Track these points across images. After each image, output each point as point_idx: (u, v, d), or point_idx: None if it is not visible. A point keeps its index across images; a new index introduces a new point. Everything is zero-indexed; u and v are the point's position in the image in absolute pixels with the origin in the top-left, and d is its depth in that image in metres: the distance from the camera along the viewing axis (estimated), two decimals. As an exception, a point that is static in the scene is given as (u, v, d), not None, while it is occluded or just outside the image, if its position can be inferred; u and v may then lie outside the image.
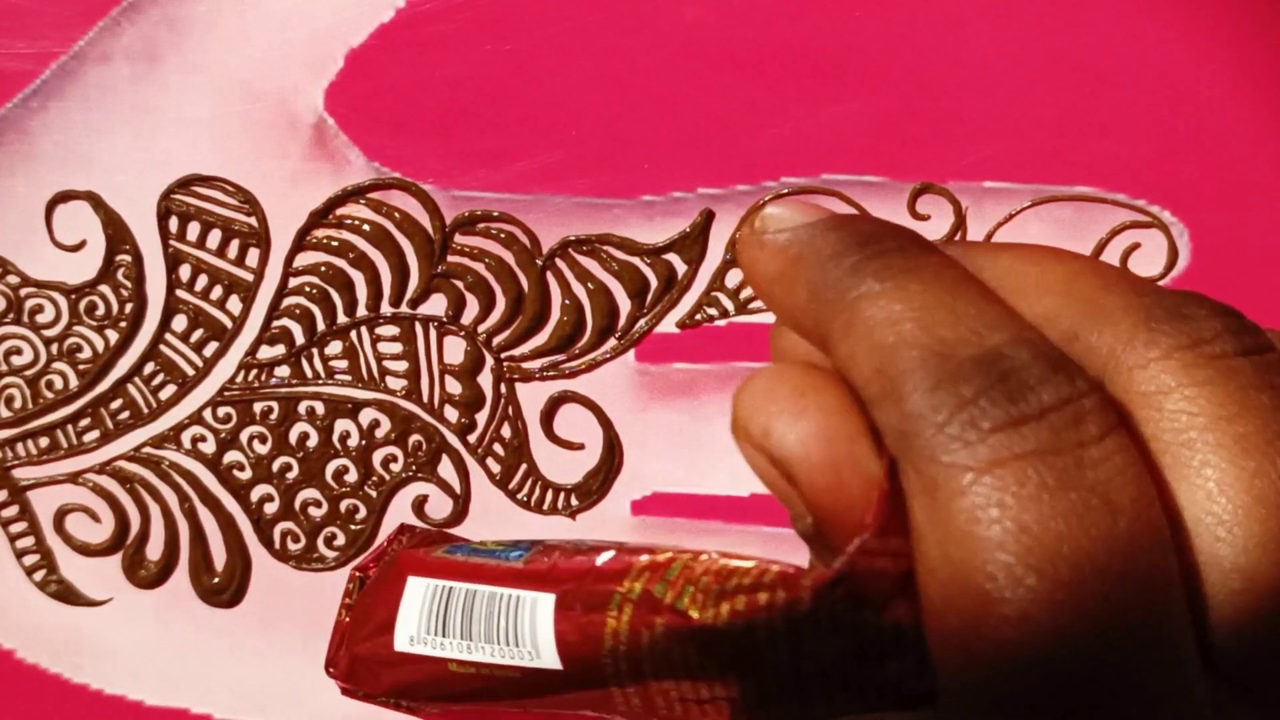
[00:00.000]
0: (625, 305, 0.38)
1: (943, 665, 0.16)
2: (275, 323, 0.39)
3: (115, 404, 0.40)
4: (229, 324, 0.39)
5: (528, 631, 0.20)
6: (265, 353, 0.39)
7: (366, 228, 0.38)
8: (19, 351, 0.40)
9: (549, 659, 0.20)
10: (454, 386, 0.39)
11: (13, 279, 0.40)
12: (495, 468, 0.39)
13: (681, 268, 0.37)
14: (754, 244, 0.20)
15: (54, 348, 0.40)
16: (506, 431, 0.39)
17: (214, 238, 0.39)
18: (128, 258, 0.39)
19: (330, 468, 0.40)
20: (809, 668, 0.17)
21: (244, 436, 0.40)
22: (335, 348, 0.39)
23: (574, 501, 0.39)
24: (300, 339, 0.39)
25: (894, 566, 0.17)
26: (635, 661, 0.19)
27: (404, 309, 0.39)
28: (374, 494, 0.40)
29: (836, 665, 0.17)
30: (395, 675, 0.22)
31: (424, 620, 0.21)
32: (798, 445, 0.18)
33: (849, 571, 0.17)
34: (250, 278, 0.39)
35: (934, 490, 0.16)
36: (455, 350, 0.39)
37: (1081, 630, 0.15)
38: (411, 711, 0.22)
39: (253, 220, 0.38)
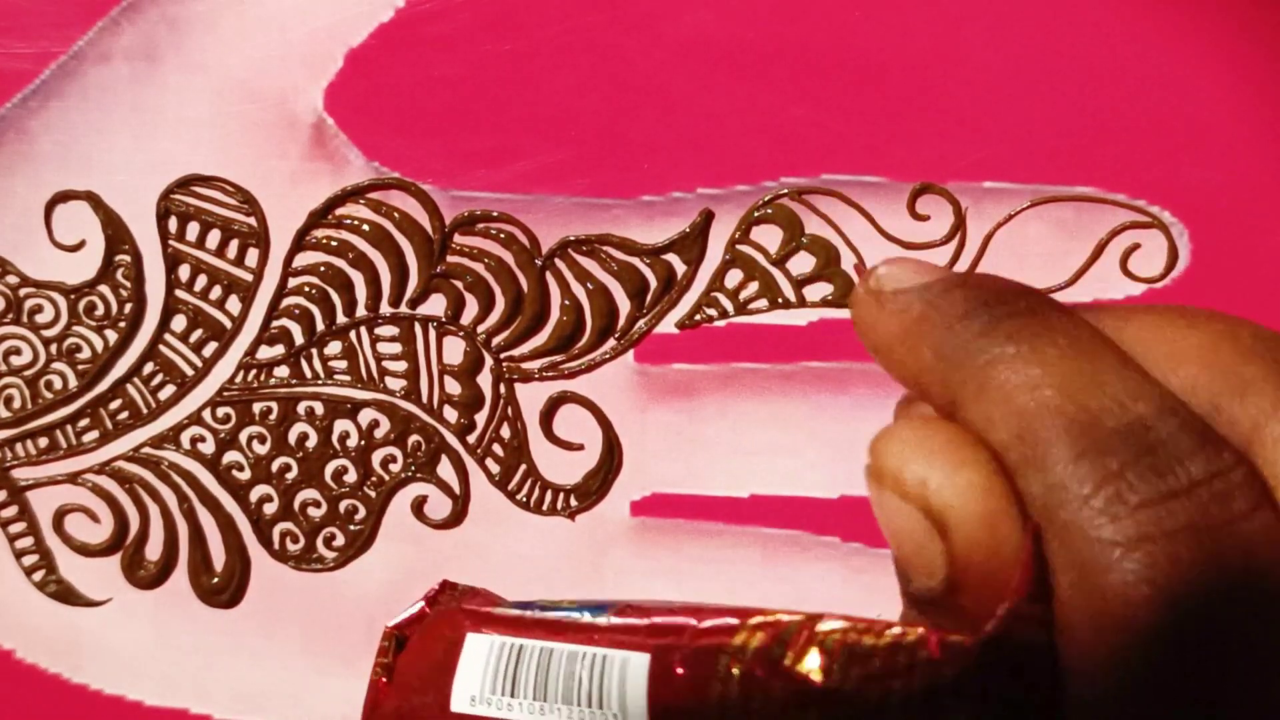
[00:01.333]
0: (625, 306, 0.38)
1: None
2: (274, 323, 0.39)
3: (114, 404, 0.40)
4: (228, 324, 0.39)
5: (615, 692, 0.19)
6: (264, 353, 0.39)
7: (366, 228, 0.38)
8: (18, 351, 0.40)
9: None
10: (453, 387, 0.39)
11: (12, 279, 0.40)
12: (494, 468, 0.39)
13: (681, 268, 0.37)
14: (872, 303, 0.19)
15: (53, 348, 0.40)
16: (506, 432, 0.39)
17: (213, 238, 0.39)
18: (127, 258, 0.39)
19: (329, 468, 0.40)
20: None
21: (243, 437, 0.40)
22: (334, 348, 0.39)
23: (573, 502, 0.39)
24: (299, 339, 0.39)
25: (1039, 635, 0.16)
26: None
27: (403, 309, 0.38)
28: (373, 494, 0.40)
29: None
30: None
31: (489, 679, 0.20)
32: (956, 495, 0.17)
33: (1001, 635, 0.16)
34: (249, 278, 0.39)
35: (1081, 565, 0.16)
36: (454, 350, 0.39)
37: (1236, 711, 0.15)
38: None
39: (252, 220, 0.38)
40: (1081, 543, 0.16)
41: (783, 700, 0.17)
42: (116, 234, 0.39)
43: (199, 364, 0.40)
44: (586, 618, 0.20)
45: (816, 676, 0.17)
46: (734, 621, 0.18)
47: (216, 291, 0.39)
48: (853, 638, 0.17)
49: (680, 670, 0.18)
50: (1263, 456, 0.17)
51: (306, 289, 0.39)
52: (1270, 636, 0.15)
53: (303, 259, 0.38)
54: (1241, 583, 0.15)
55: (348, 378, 0.39)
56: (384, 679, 0.22)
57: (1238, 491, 0.16)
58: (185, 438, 0.40)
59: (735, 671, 0.18)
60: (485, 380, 0.39)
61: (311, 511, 0.40)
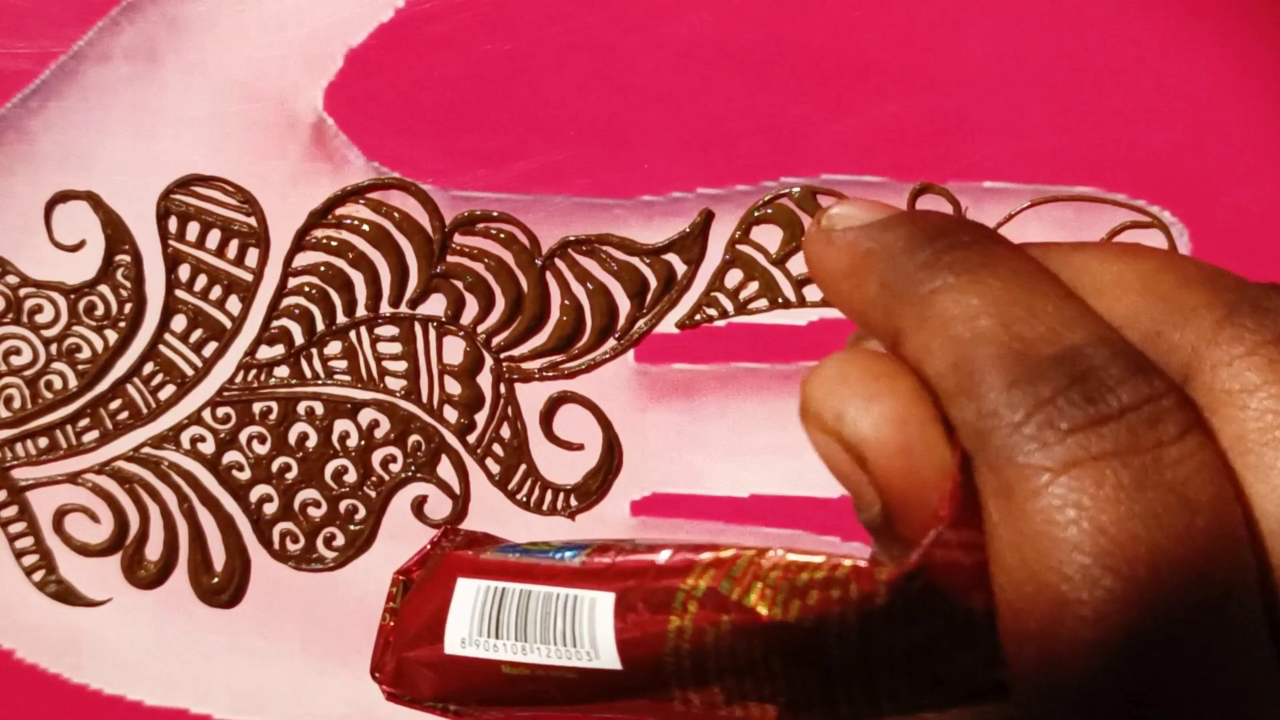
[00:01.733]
0: (625, 305, 0.38)
1: (1017, 663, 0.16)
2: (274, 323, 0.39)
3: (114, 404, 0.40)
4: (228, 324, 0.39)
5: (586, 631, 0.20)
6: (264, 353, 0.39)
7: (366, 228, 0.38)
8: (18, 351, 0.40)
9: (608, 659, 0.19)
10: (453, 387, 0.39)
11: (12, 279, 0.40)
12: (494, 468, 0.39)
13: (681, 268, 0.37)
14: (822, 240, 0.20)
15: (53, 348, 0.40)
16: (506, 432, 0.39)
17: (213, 238, 0.39)
18: (127, 258, 0.39)
19: (329, 468, 0.40)
20: (880, 662, 0.17)
21: (243, 437, 0.40)
22: (334, 348, 0.39)
23: (573, 502, 0.39)
24: (299, 339, 0.39)
25: (968, 559, 0.17)
26: (699, 660, 0.18)
27: (403, 309, 0.38)
28: (373, 494, 0.40)
29: (908, 658, 0.17)
30: (445, 679, 0.21)
31: (476, 622, 0.21)
32: (871, 428, 0.18)
33: (925, 564, 0.17)
34: (249, 278, 0.39)
35: (1009, 490, 0.16)
36: (454, 350, 0.39)
37: (1159, 630, 0.15)
38: (459, 717, 0.22)
39: (252, 220, 0.38)
40: (1011, 468, 0.16)
41: (733, 633, 0.18)
42: (116, 234, 0.39)
43: (199, 364, 0.40)
44: (561, 559, 0.21)
45: (762, 610, 0.18)
46: (689, 557, 0.19)
47: (216, 291, 0.39)
48: (792, 573, 0.18)
49: (642, 608, 0.19)
50: (1200, 381, 0.17)
51: (306, 289, 0.39)
52: (1191, 557, 0.16)
53: (303, 259, 0.38)
54: (1164, 505, 0.16)
55: (348, 378, 0.39)
56: (391, 623, 0.23)
57: (1167, 417, 0.16)
58: (185, 438, 0.40)
59: (691, 608, 0.19)
60: (485, 380, 0.39)
61: (311, 511, 0.40)
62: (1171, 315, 0.18)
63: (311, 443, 0.40)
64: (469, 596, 0.21)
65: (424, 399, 0.39)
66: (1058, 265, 0.19)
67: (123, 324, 0.39)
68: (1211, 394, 0.17)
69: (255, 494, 0.40)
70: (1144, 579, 0.15)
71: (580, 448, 0.39)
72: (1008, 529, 0.16)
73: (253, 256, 0.39)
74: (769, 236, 0.37)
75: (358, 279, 0.38)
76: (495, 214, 0.38)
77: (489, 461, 0.39)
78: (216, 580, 0.41)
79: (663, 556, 0.20)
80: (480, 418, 0.39)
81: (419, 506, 0.40)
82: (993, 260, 0.18)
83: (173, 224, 0.39)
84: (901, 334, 0.18)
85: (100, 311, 0.39)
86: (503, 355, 0.38)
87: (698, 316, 0.38)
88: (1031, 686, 0.16)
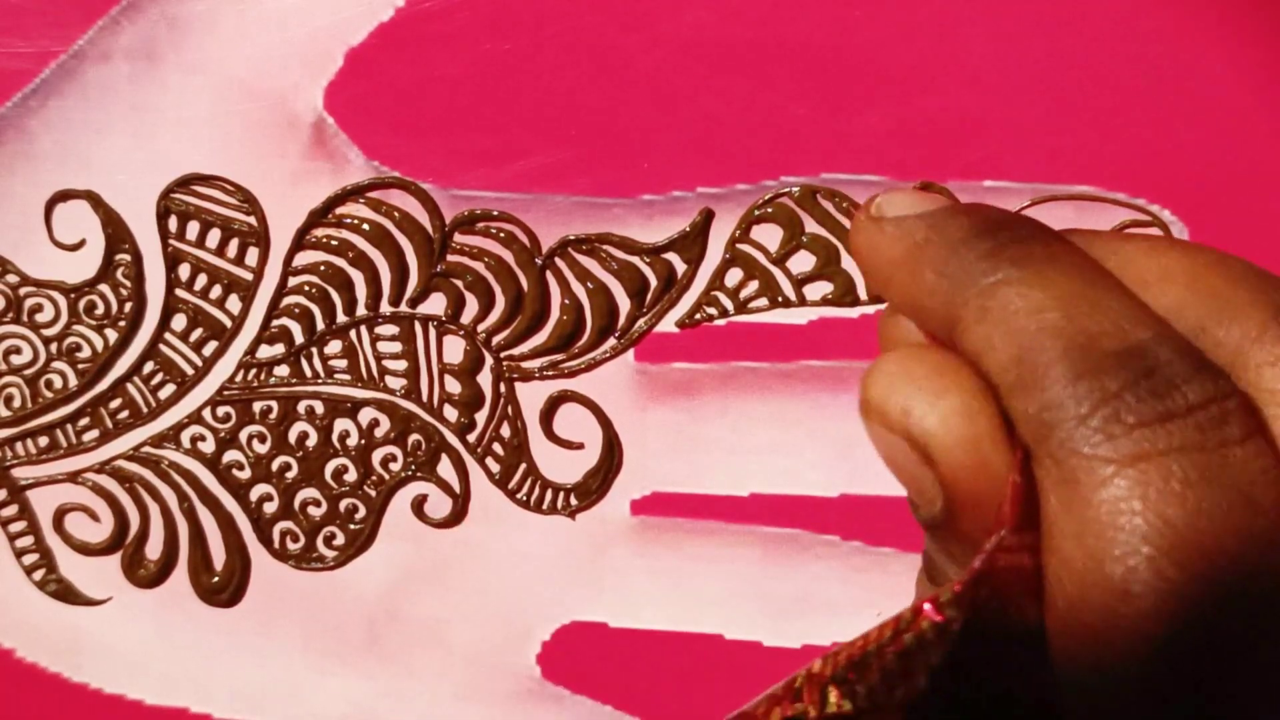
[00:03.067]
0: (625, 305, 0.38)
1: (1069, 659, 0.16)
2: (274, 322, 0.39)
3: (114, 403, 0.40)
4: (228, 323, 0.39)
5: None
6: (264, 352, 0.39)
7: (366, 227, 0.38)
8: (18, 351, 0.40)
9: None
10: (453, 386, 0.39)
11: (12, 278, 0.40)
12: (495, 467, 0.39)
13: (681, 267, 0.37)
14: (873, 228, 0.20)
15: (53, 347, 0.40)
16: (506, 431, 0.39)
17: (213, 237, 0.39)
18: (127, 257, 0.39)
19: (329, 467, 0.40)
20: (963, 690, 0.17)
21: (243, 436, 0.40)
22: (334, 347, 0.39)
23: (573, 501, 0.39)
24: (299, 338, 0.39)
25: (1030, 561, 0.17)
26: None
27: (403, 308, 0.38)
28: (373, 493, 0.40)
29: (977, 673, 0.17)
30: None
31: None
32: (939, 423, 0.18)
33: (986, 570, 0.17)
34: (249, 277, 0.39)
35: (1073, 481, 0.16)
36: (455, 349, 0.39)
37: (1221, 626, 0.15)
38: None
39: (252, 219, 0.38)
40: (1076, 459, 0.16)
41: None
42: (116, 233, 0.39)
43: (199, 363, 0.40)
44: None
45: (846, 706, 0.17)
46: (760, 711, 0.18)
47: (216, 290, 0.39)
48: (856, 650, 0.17)
49: None
50: (1244, 379, 0.17)
51: (306, 288, 0.39)
52: (1254, 556, 0.16)
53: (303, 258, 0.38)
54: (1229, 504, 0.16)
55: (348, 377, 0.39)
56: None
57: (1233, 418, 0.16)
58: (185, 437, 0.40)
59: None
60: (485, 379, 0.39)
61: (311, 510, 0.40)
62: (1218, 312, 0.18)
63: (311, 442, 0.40)
64: None
65: (424, 398, 0.39)
66: (1103, 254, 0.19)
67: (123, 323, 0.39)
68: (1256, 392, 0.17)
69: (255, 493, 0.40)
70: (1208, 575, 0.15)
71: (580, 447, 0.39)
72: (1070, 519, 0.16)
73: (253, 255, 0.39)
74: (769, 236, 0.37)
75: (358, 278, 0.38)
76: (495, 213, 0.38)
77: (489, 460, 0.39)
78: (216, 579, 0.41)
79: None
80: (480, 417, 0.39)
81: (419, 506, 0.40)
82: (1054, 255, 0.18)
83: (173, 223, 0.39)
84: (960, 324, 0.18)
85: (100, 311, 0.39)
86: (503, 354, 0.38)
87: (698, 316, 0.38)
88: (1084, 682, 0.16)
